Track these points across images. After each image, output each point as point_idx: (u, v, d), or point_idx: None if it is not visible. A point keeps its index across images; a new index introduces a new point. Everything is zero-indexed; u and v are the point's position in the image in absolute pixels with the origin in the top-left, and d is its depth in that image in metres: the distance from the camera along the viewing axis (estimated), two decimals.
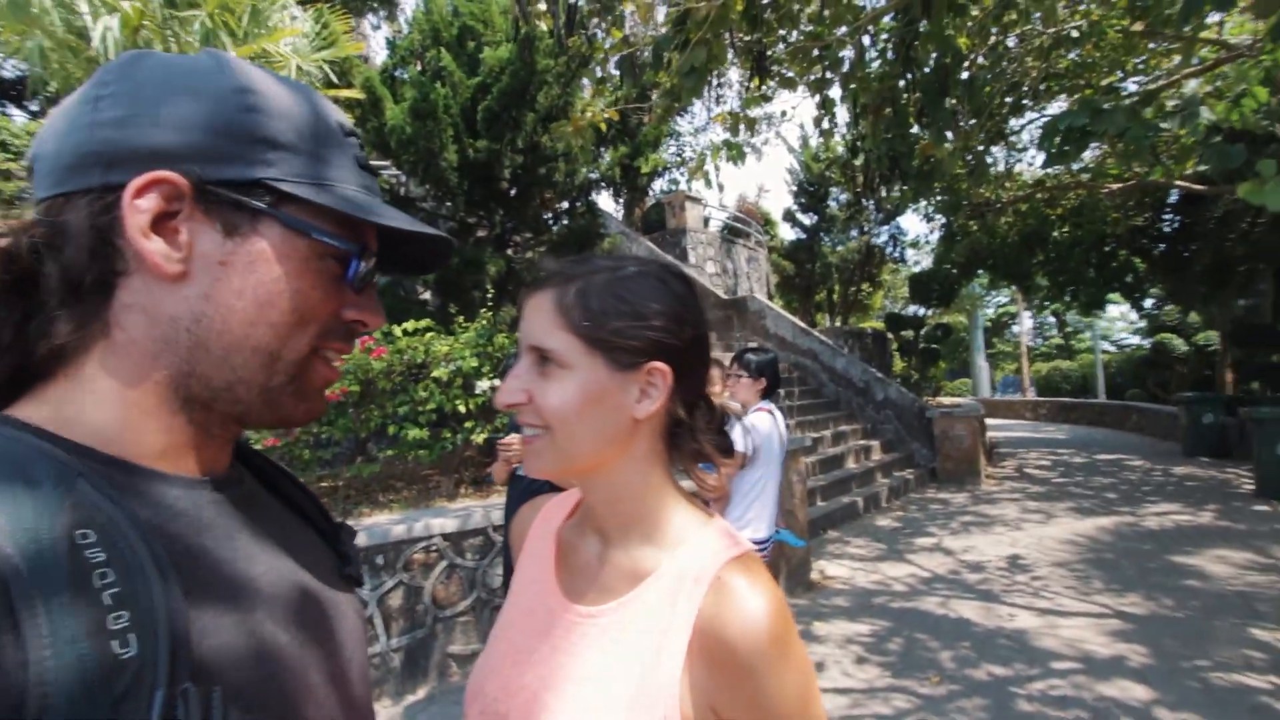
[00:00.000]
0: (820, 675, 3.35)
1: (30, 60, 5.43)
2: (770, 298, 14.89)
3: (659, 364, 0.61)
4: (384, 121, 5.55)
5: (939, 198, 8.72)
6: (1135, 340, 24.80)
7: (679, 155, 13.51)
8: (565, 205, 7.04)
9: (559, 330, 0.59)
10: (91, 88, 0.45)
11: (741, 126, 5.75)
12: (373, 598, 3.37)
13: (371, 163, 0.54)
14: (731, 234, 14.41)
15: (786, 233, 16.05)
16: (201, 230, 0.45)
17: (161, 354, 0.45)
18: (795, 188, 14.96)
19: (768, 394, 3.06)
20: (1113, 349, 25.49)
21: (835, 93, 5.86)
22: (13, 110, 10.47)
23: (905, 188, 7.66)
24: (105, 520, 0.38)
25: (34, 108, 9.67)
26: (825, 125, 6.30)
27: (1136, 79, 7.66)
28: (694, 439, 0.65)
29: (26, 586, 0.34)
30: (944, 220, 11.03)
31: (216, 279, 0.46)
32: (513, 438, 2.68)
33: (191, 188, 0.44)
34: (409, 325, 4.88)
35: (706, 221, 13.80)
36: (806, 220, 15.09)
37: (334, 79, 5.55)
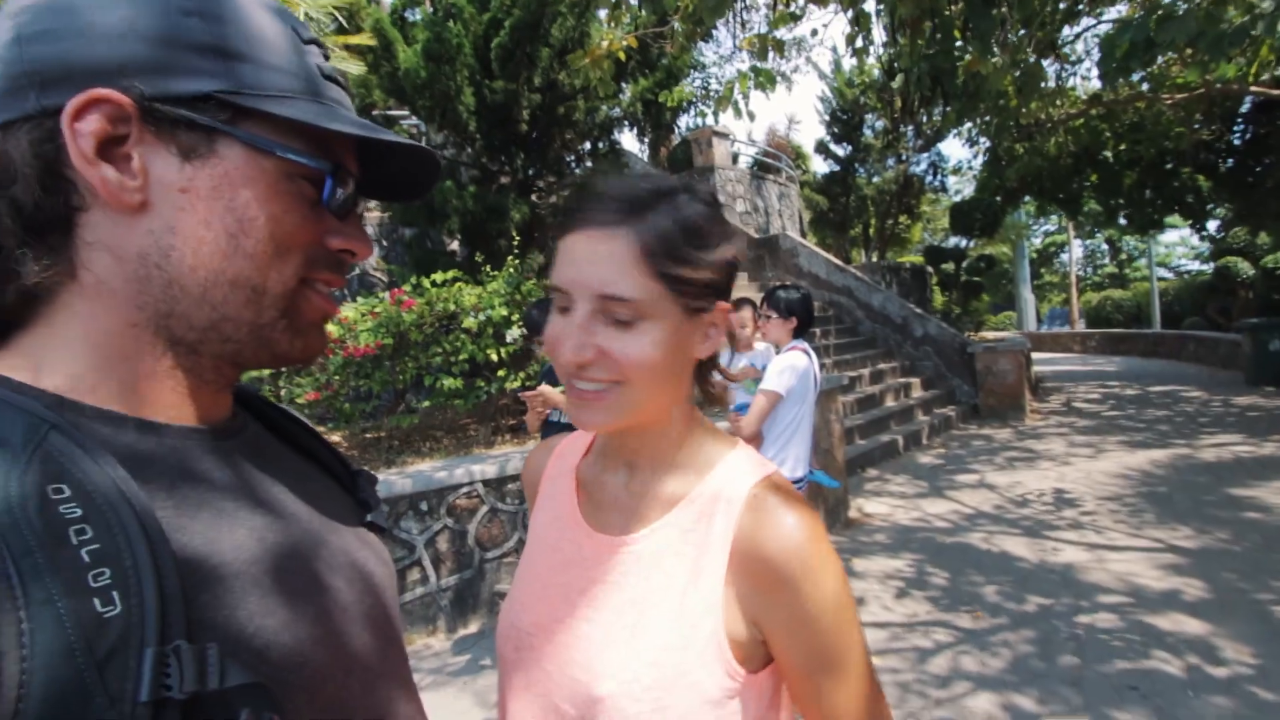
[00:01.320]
0: (860, 610, 3.36)
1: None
2: (803, 235, 14.43)
3: (723, 303, 0.60)
4: (397, 66, 5.39)
5: (985, 119, 8.16)
6: (1196, 266, 23.41)
7: (704, 88, 12.92)
8: (587, 146, 6.82)
9: (638, 276, 0.54)
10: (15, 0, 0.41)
11: (770, 50, 5.40)
12: (420, 540, 3.48)
13: (336, 73, 0.48)
14: (761, 169, 13.88)
15: (819, 165, 15.40)
16: (155, 154, 0.41)
17: (135, 295, 0.42)
18: (828, 117, 14.21)
19: (800, 332, 2.96)
20: (1170, 276, 24.16)
21: (870, 6, 5.42)
22: None
23: (948, 109, 7.17)
24: (81, 475, 0.36)
25: None
26: (860, 44, 5.88)
27: None
28: (713, 370, 0.65)
29: (5, 546, 0.32)
30: (989, 144, 10.37)
31: (180, 208, 0.42)
32: (543, 389, 2.67)
33: (136, 106, 0.40)
34: (437, 276, 4.86)
35: (735, 158, 13.29)
36: (840, 151, 14.40)
37: (344, 24, 5.39)
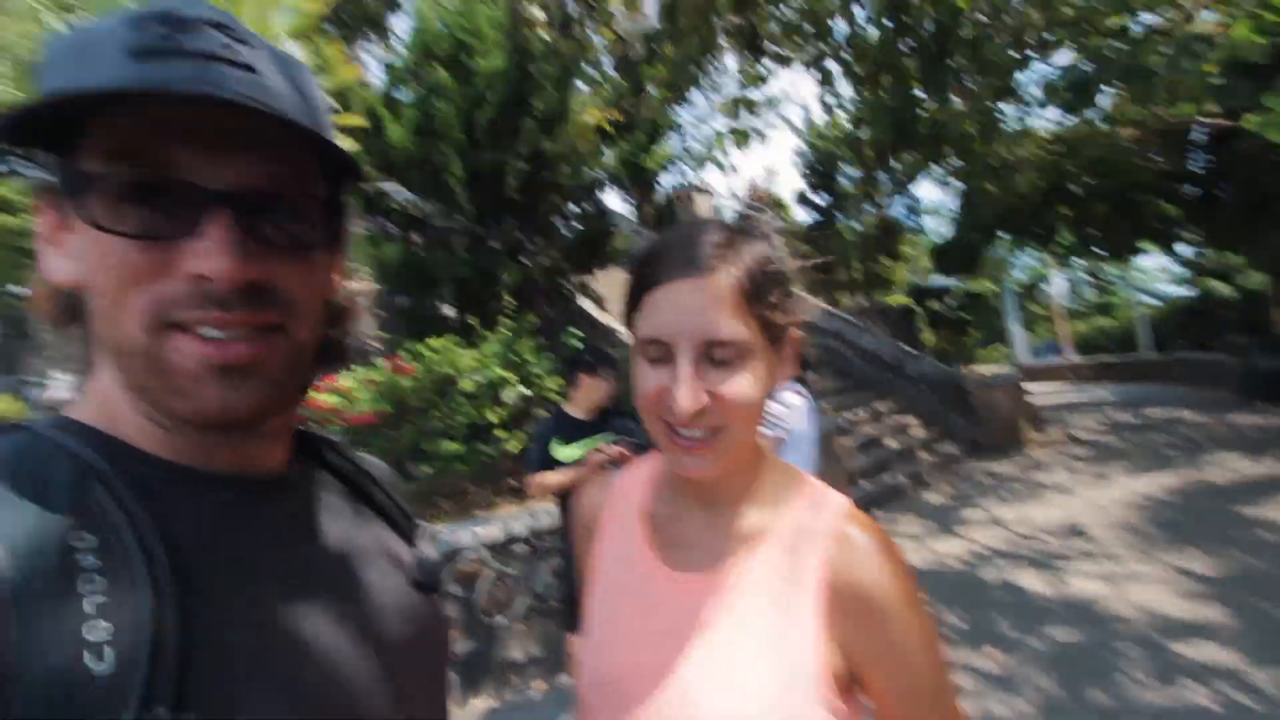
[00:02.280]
0: None
1: None
2: None
3: (796, 334, 0.61)
4: (387, 142, 5.60)
5: (952, 162, 8.51)
6: (1178, 290, 23.93)
7: (684, 148, 13.45)
8: (573, 207, 7.02)
9: (738, 318, 0.56)
10: None
11: (742, 110, 5.66)
12: None
13: (179, 17, 0.40)
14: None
15: (801, 215, 15.89)
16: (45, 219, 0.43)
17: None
18: (805, 168, 14.75)
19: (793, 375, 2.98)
20: (1153, 301, 24.64)
21: (833, 66, 5.74)
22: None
23: (914, 155, 7.49)
24: (110, 525, 0.36)
25: None
26: (828, 99, 6.17)
27: (1151, 13, 7.35)
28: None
29: (10, 590, 0.32)
30: (961, 185, 10.75)
31: (68, 270, 0.42)
32: (609, 448, 2.50)
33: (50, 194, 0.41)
34: (434, 342, 4.90)
35: (718, 212, 13.68)
36: (819, 200, 14.88)
37: (336, 106, 5.62)
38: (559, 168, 6.17)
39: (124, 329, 0.39)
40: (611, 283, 8.69)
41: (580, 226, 6.63)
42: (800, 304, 0.62)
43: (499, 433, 4.87)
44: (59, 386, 7.32)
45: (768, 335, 0.57)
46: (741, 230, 0.60)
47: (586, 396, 2.63)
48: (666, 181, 15.03)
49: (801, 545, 0.59)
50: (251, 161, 0.40)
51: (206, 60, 0.39)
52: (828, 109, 5.60)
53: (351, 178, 0.46)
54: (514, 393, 4.91)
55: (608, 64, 4.81)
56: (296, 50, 5.44)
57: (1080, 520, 5.14)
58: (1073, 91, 4.87)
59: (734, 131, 5.30)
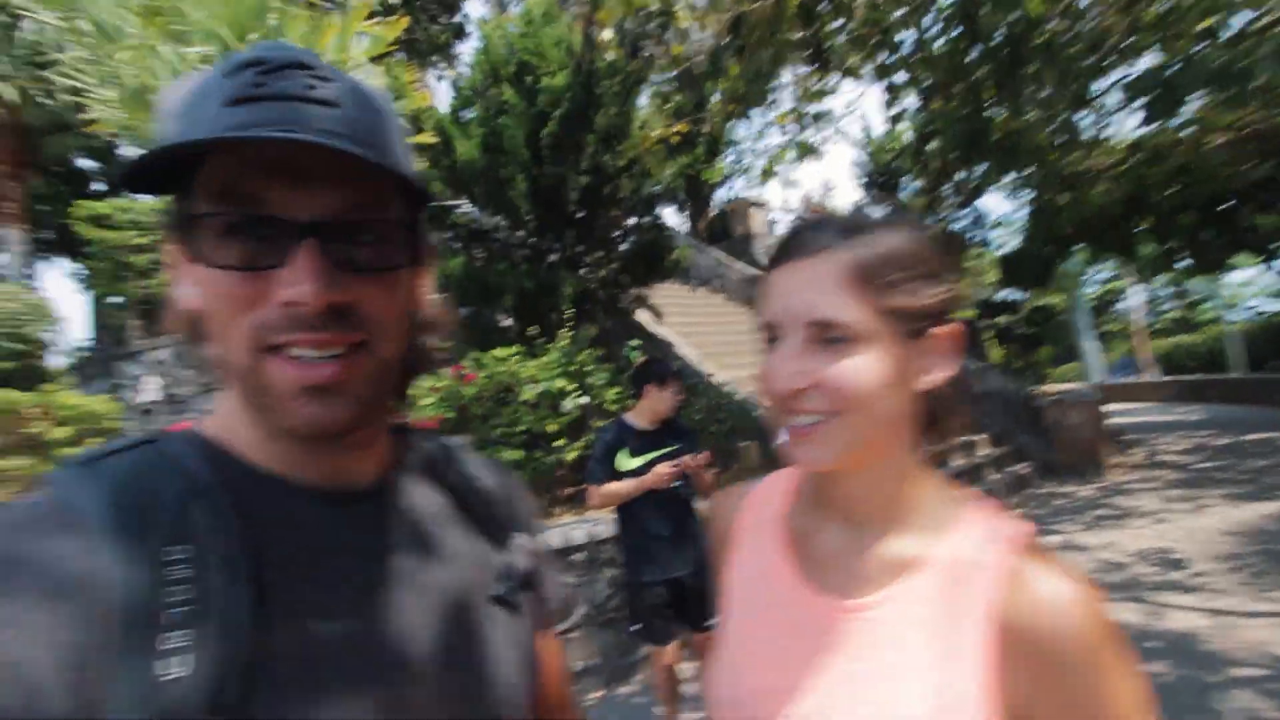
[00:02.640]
0: None
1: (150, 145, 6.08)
2: None
3: (949, 328, 0.56)
4: (455, 159, 5.81)
5: (1025, 172, 8.17)
6: (1274, 306, 22.14)
7: (738, 163, 13.41)
8: (632, 221, 7.09)
9: (849, 299, 0.53)
10: None
11: (804, 122, 5.59)
12: None
13: (281, 75, 0.43)
14: None
15: None
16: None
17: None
18: (864, 181, 14.48)
19: None
20: (1244, 317, 22.88)
21: (901, 77, 5.62)
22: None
23: (986, 167, 7.22)
24: (203, 539, 0.40)
25: None
26: (894, 111, 6.04)
27: (1245, 14, 6.90)
28: (947, 411, 0.59)
29: (110, 599, 0.37)
30: (1032, 196, 10.30)
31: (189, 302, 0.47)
32: (686, 461, 2.52)
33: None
34: (497, 352, 5.01)
35: (772, 225, 13.57)
36: None
37: (409, 128, 5.89)
38: (619, 182, 6.25)
39: (231, 352, 0.43)
40: (668, 296, 8.71)
41: (638, 239, 6.68)
42: (951, 295, 0.56)
43: (558, 442, 4.92)
44: (149, 390, 7.85)
45: (893, 322, 0.53)
46: (862, 215, 0.57)
47: (651, 408, 2.63)
48: (721, 196, 15.05)
49: (965, 579, 0.53)
50: (334, 193, 0.43)
51: (291, 101, 0.42)
52: (894, 120, 5.47)
53: (425, 201, 0.50)
54: (573, 403, 4.96)
55: (671, 79, 4.85)
56: (373, 74, 5.74)
57: (1175, 549, 4.77)
58: (1157, 95, 4.60)
59: (797, 144, 5.23)
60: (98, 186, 12.06)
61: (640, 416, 2.65)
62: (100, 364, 8.19)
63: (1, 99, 6.83)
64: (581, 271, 6.50)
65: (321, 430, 0.43)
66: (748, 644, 0.61)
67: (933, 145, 6.60)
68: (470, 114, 6.56)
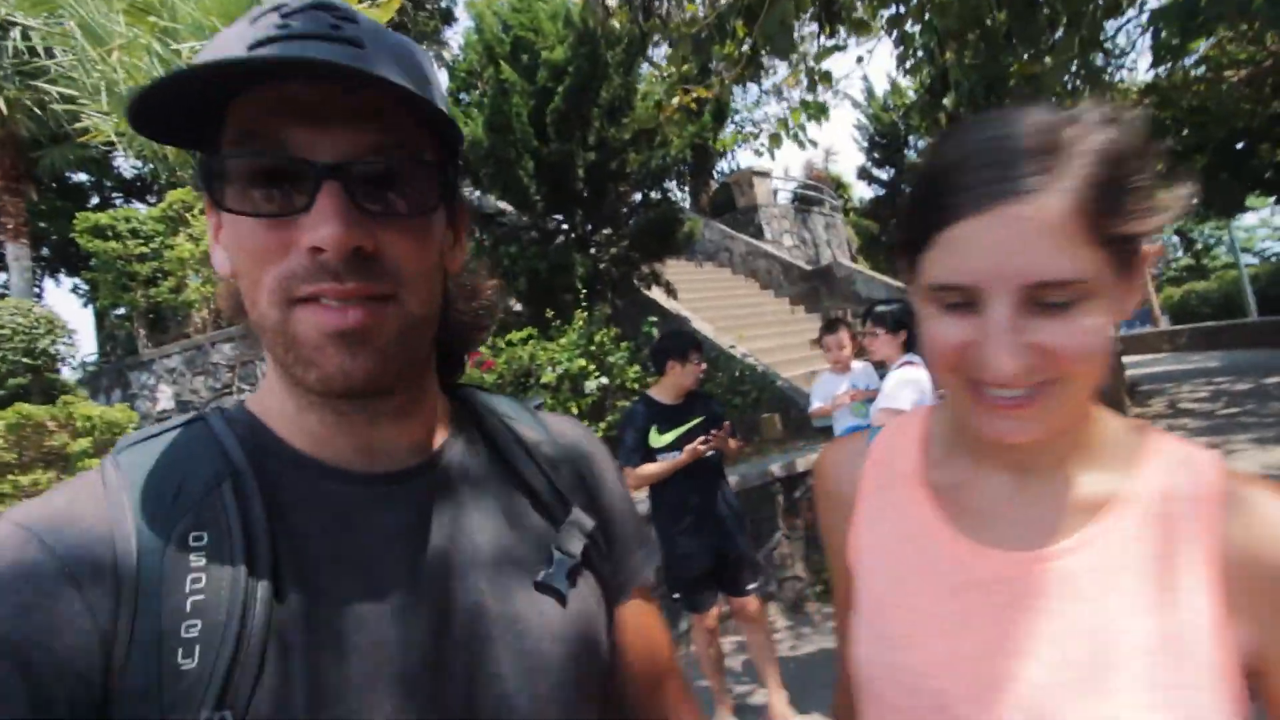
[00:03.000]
0: None
1: (150, 157, 5.97)
2: (854, 261, 14.22)
3: (1154, 246, 0.48)
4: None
5: None
6: None
7: (740, 131, 13.16)
8: (638, 197, 6.96)
9: (1079, 248, 0.42)
10: None
11: (816, 82, 5.43)
12: None
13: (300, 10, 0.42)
14: (804, 203, 13.88)
15: (863, 191, 15.37)
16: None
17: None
18: (867, 143, 14.22)
19: (910, 346, 2.81)
20: (1255, 260, 22.59)
21: (912, 27, 5.42)
22: (137, 204, 11.70)
23: None
24: (226, 525, 0.40)
25: (153, 200, 10.77)
26: (908, 64, 5.86)
27: None
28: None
29: (131, 579, 0.37)
30: None
31: (224, 259, 0.46)
32: (715, 435, 2.52)
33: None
34: (513, 336, 4.94)
35: (775, 194, 13.37)
36: (884, 175, 14.31)
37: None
38: (625, 156, 6.11)
39: (260, 307, 0.41)
40: (676, 272, 8.59)
41: (647, 214, 6.54)
42: (1160, 200, 0.46)
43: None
44: (162, 398, 7.83)
45: (1118, 260, 0.44)
46: (1073, 120, 0.45)
47: (676, 382, 2.65)
48: (720, 169, 14.81)
49: (1176, 513, 0.47)
50: (360, 133, 0.41)
51: (315, 40, 0.40)
52: (909, 73, 5.30)
53: (456, 142, 0.47)
54: (595, 383, 4.89)
55: (683, 41, 4.68)
56: None
57: None
58: (1181, 24, 4.43)
59: (808, 105, 5.08)
60: (95, 199, 11.96)
61: (665, 392, 2.67)
62: (112, 374, 8.16)
63: None
64: (592, 250, 6.39)
65: (350, 382, 0.41)
66: (908, 612, 0.55)
67: (947, 98, 6.40)
68: (468, 97, 6.40)
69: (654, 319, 5.66)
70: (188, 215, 7.51)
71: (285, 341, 0.41)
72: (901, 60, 5.30)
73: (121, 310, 8.40)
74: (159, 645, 0.36)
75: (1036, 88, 5.35)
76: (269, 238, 0.40)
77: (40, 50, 6.71)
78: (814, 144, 7.70)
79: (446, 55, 11.97)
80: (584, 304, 5.55)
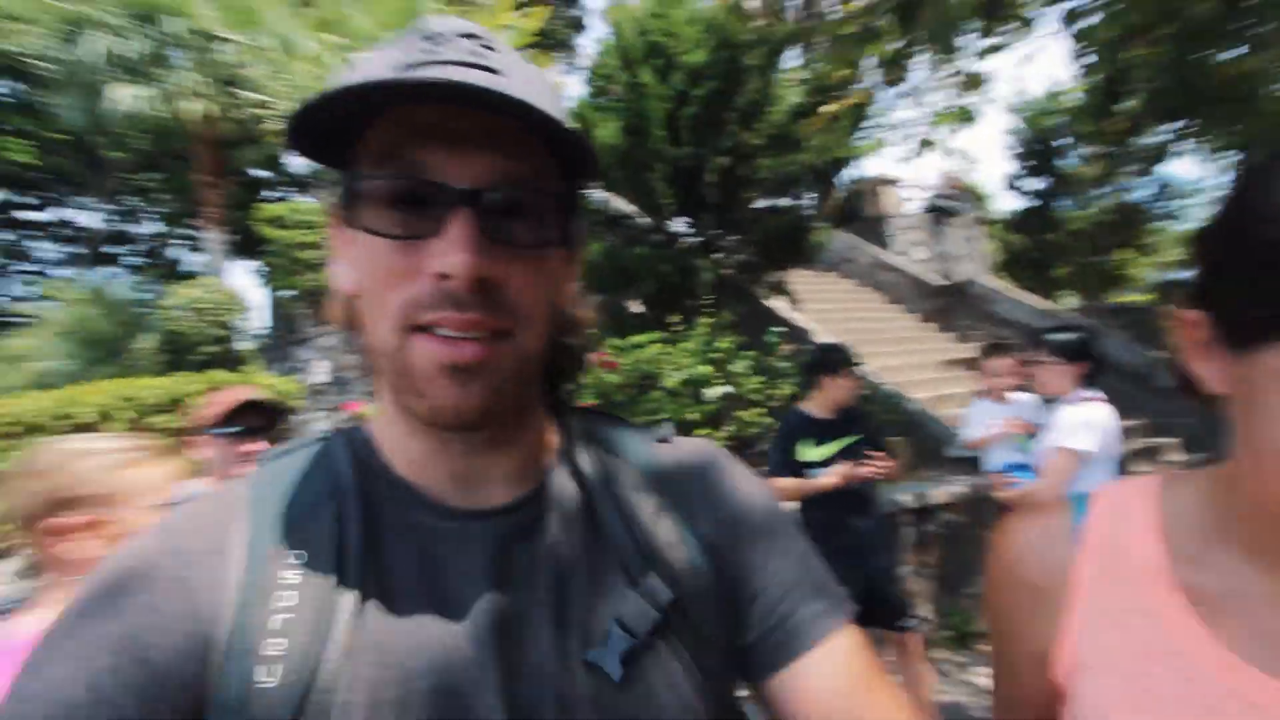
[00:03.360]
0: None
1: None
2: (994, 278, 13.10)
3: None
4: (594, 144, 5.83)
5: (1249, 129, 6.89)
6: None
7: (875, 138, 12.50)
8: (763, 204, 6.79)
9: None
10: None
11: (968, 86, 5.03)
12: None
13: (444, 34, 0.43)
14: (939, 214, 12.97)
15: (1010, 202, 14.14)
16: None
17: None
18: (1019, 150, 13.04)
19: (1089, 379, 2.49)
20: None
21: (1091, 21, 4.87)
22: (302, 198, 13.14)
23: (1197, 123, 6.16)
24: (322, 546, 0.41)
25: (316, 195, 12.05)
26: (1083, 63, 5.30)
27: None
28: None
29: (234, 591, 0.39)
30: (1242, 157, 8.72)
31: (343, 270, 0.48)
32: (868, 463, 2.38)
33: None
34: (638, 338, 4.98)
35: (905, 204, 12.61)
36: (1035, 185, 13.07)
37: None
38: (758, 160, 5.98)
39: (380, 331, 0.42)
40: (799, 282, 8.31)
41: (777, 221, 6.37)
42: None
43: (699, 432, 4.80)
44: (319, 372, 8.70)
45: None
46: None
47: (828, 397, 2.55)
48: (846, 175, 14.16)
49: None
50: (493, 160, 0.41)
51: (457, 66, 0.41)
52: (1092, 69, 4.77)
53: (588, 174, 0.46)
54: (716, 391, 4.82)
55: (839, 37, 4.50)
56: None
57: None
58: None
59: (959, 110, 4.72)
60: (271, 193, 13.58)
61: (816, 406, 2.57)
62: (278, 349, 9.20)
63: (202, 115, 7.77)
64: (717, 256, 6.31)
65: (460, 415, 0.41)
66: None
67: (1128, 102, 5.70)
68: (603, 101, 6.55)
69: (778, 329, 5.48)
70: None
71: (399, 368, 0.42)
72: (1075, 58, 4.77)
73: (290, 291, 9.46)
74: (247, 660, 0.37)
75: (1243, 91, 4.61)
76: (398, 260, 0.41)
77: (240, 63, 7.70)
78: (960, 152, 7.20)
79: (586, 60, 12.41)
80: (708, 311, 5.49)
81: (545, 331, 0.46)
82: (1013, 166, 13.23)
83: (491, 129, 0.40)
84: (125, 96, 7.26)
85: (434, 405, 0.41)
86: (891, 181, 12.28)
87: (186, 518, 0.43)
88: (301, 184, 13.88)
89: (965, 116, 5.11)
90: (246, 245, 14.02)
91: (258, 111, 6.95)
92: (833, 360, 2.54)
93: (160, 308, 6.82)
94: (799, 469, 2.44)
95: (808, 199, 6.90)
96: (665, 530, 0.49)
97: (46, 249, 17.16)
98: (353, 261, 0.44)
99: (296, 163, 12.99)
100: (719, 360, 4.94)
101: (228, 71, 7.88)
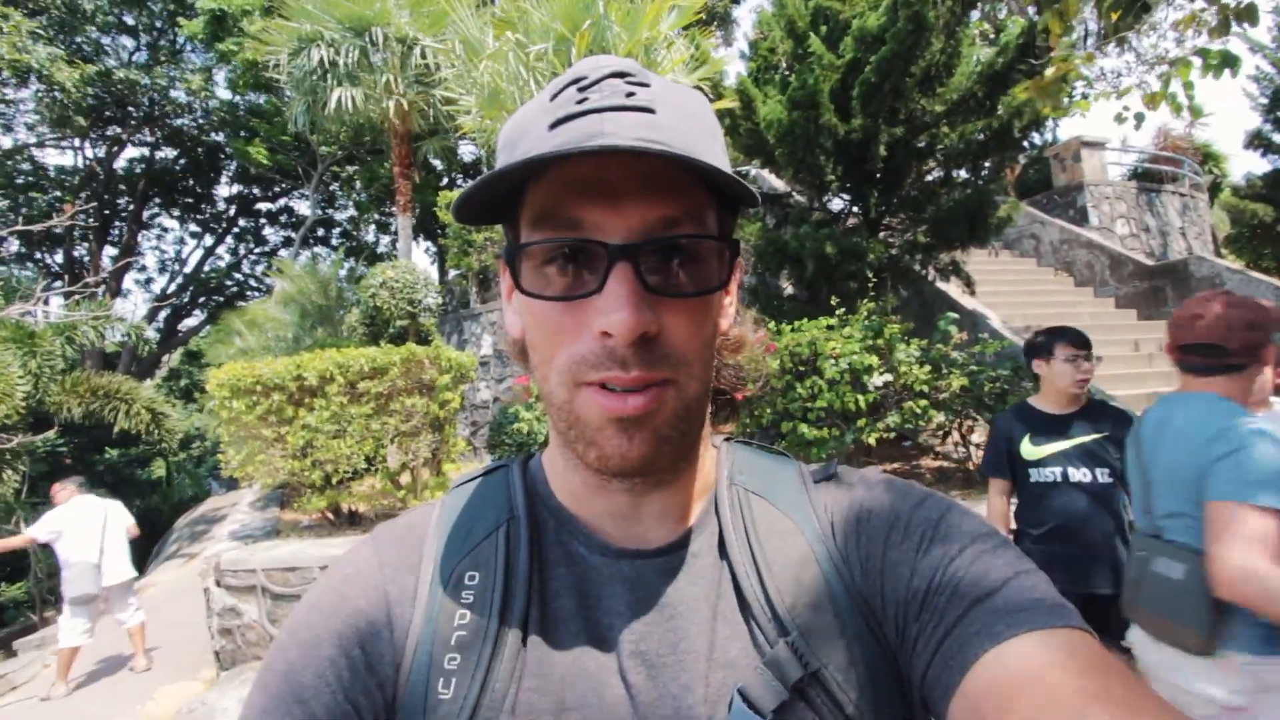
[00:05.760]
0: None
1: (489, 153, 7.18)
2: (1218, 255, 10.96)
3: None
4: (757, 122, 5.66)
5: None
6: None
7: (1084, 97, 10.87)
8: (940, 176, 6.21)
9: None
10: None
11: (1230, 21, 4.19)
12: None
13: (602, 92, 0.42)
14: (1151, 180, 11.07)
15: (1253, 164, 11.68)
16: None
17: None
18: (1265, 100, 10.69)
19: None
20: None
21: None
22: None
23: None
24: (493, 569, 0.45)
25: None
26: None
27: None
28: None
29: (422, 605, 0.44)
30: None
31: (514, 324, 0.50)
32: None
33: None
34: (803, 324, 4.83)
35: (1107, 170, 10.87)
36: None
37: (708, 94, 5.91)
38: (936, 130, 5.48)
39: (549, 384, 0.43)
40: (973, 261, 7.54)
41: (954, 196, 5.81)
42: None
43: (859, 422, 4.59)
44: (485, 346, 9.51)
45: None
46: None
47: (1049, 386, 2.20)
48: (1030, 143, 12.47)
49: None
50: (648, 208, 0.40)
51: (608, 113, 0.40)
52: None
53: (746, 206, 0.46)
54: (878, 379, 4.55)
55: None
56: (682, 46, 5.87)
57: None
58: None
59: (1207, 54, 3.98)
60: (447, 180, 14.93)
61: (1044, 399, 2.24)
62: (452, 322, 10.17)
63: (399, 111, 8.70)
64: (884, 236, 5.92)
65: (626, 464, 0.42)
66: None
67: None
68: (764, 77, 6.34)
69: (951, 315, 5.02)
70: None
71: (569, 419, 0.43)
72: None
73: (461, 271, 10.40)
74: (428, 670, 0.41)
75: None
76: (563, 319, 0.42)
77: (431, 62, 8.48)
78: (1199, 112, 6.09)
79: (738, 34, 12.10)
80: (871, 294, 5.19)
81: (708, 371, 0.45)
82: (1258, 118, 10.87)
83: (649, 175, 0.40)
84: (337, 98, 8.32)
85: (601, 454, 0.42)
86: (1095, 144, 10.65)
87: (394, 532, 0.49)
88: (471, 172, 15.12)
89: (1226, 62, 4.29)
90: (426, 228, 15.63)
91: (445, 108, 7.62)
92: (1044, 342, 2.20)
93: (360, 285, 7.82)
94: (1022, 466, 2.16)
95: (988, 169, 6.20)
96: (809, 589, 0.45)
97: (272, 233, 20.42)
98: (521, 313, 0.46)
99: (467, 153, 14.16)
100: (882, 348, 4.66)
101: (419, 72, 8.73)
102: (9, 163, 15.15)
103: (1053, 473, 2.10)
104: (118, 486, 13.27)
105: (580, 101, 0.41)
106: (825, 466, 0.53)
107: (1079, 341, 2.16)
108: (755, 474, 0.52)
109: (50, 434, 7.91)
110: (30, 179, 15.90)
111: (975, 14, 5.39)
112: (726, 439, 0.55)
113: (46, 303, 8.45)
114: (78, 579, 4.70)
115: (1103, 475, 2.07)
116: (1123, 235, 10.26)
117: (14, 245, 16.09)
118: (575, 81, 0.43)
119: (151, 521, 12.01)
